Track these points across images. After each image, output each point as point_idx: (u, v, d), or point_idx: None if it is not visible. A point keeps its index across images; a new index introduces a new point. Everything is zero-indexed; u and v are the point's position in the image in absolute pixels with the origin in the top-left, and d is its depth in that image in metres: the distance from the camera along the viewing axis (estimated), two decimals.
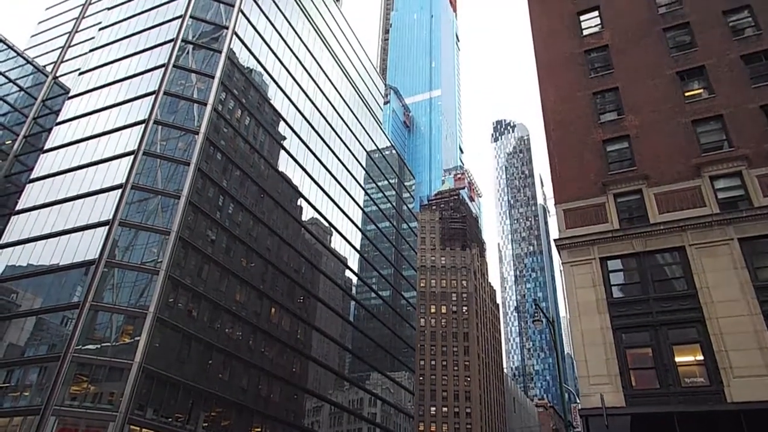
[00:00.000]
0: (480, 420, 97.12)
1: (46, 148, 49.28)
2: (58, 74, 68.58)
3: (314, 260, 58.18)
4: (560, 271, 25.40)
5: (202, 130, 44.56)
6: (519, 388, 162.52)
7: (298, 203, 57.59)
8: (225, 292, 43.97)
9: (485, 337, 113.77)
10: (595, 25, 29.71)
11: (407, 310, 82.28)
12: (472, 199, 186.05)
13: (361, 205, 72.65)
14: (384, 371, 69.64)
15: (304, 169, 58.97)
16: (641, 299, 21.79)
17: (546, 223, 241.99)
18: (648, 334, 21.09)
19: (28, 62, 67.58)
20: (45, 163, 47.70)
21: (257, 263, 48.82)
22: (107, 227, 39.25)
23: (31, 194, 45.87)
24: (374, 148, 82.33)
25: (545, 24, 31.50)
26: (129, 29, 53.93)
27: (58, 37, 73.91)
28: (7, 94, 63.97)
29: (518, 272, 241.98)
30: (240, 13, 52.60)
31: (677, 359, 20.28)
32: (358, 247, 69.13)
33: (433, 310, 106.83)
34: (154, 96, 45.70)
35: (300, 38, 64.23)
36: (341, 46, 77.56)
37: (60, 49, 71.55)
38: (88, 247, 39.06)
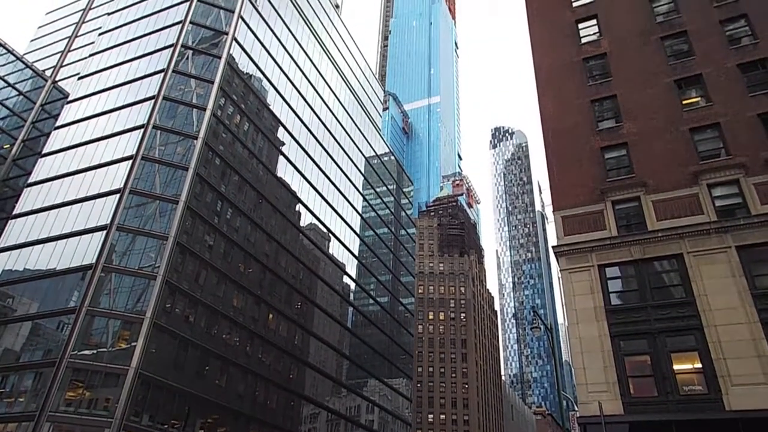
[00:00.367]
0: (477, 428, 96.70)
1: (44, 152, 49.23)
2: (57, 78, 68.64)
3: (312, 266, 58.08)
4: (558, 278, 25.39)
5: (201, 135, 44.57)
6: (517, 395, 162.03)
7: (297, 209, 57.56)
8: (222, 297, 43.83)
9: (483, 344, 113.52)
10: (594, 33, 29.88)
11: (405, 316, 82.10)
12: (470, 206, 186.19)
13: (360, 211, 72.65)
14: (381, 378, 69.38)
15: (302, 175, 58.98)
16: (639, 306, 21.78)
17: (544, 230, 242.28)
18: (646, 342, 21.07)
19: (27, 66, 67.64)
20: (43, 168, 47.63)
21: (255, 269, 48.70)
22: (105, 232, 39.12)
23: (29, 198, 45.76)
24: (373, 154, 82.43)
25: (544, 32, 31.66)
26: (129, 34, 54.04)
27: (58, 41, 74.08)
28: (6, 98, 63.97)
29: (516, 279, 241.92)
30: (240, 19, 52.76)
31: (675, 367, 20.25)
32: (357, 253, 69.06)
33: (431, 317, 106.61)
34: (153, 101, 45.73)
35: (299, 44, 64.44)
36: (340, 53, 77.82)
37: (59, 54, 71.68)
38: (85, 251, 38.92)
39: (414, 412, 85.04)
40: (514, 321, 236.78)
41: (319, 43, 70.59)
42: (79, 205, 42.34)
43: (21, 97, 65.45)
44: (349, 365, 63.21)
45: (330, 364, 58.92)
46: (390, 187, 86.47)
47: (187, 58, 48.99)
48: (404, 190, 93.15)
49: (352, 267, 67.34)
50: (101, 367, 34.76)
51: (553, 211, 25.82)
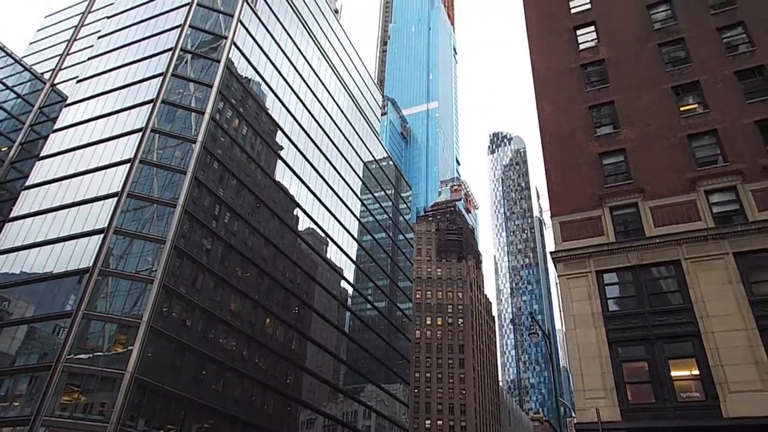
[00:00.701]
0: None
1: (42, 155, 49.14)
2: (56, 81, 68.62)
3: (310, 270, 57.97)
4: (556, 283, 25.38)
5: (200, 138, 44.55)
6: (514, 401, 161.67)
7: (295, 213, 57.51)
8: (219, 301, 43.70)
9: (481, 350, 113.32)
10: (592, 40, 30.00)
11: (403, 321, 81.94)
12: (468, 211, 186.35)
13: (358, 215, 72.61)
14: (379, 383, 69.16)
15: (300, 179, 58.96)
16: (637, 313, 21.78)
17: (542, 235, 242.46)
18: (644, 348, 21.07)
19: (26, 69, 67.62)
20: (41, 171, 47.54)
21: (252, 273, 48.60)
22: (102, 235, 39.02)
23: (26, 201, 45.64)
24: (371, 158, 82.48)
25: (542, 38, 31.79)
26: (128, 38, 54.10)
27: (57, 44, 74.10)
28: (4, 101, 63.90)
29: (514, 284, 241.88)
30: (239, 24, 52.87)
31: (673, 373, 20.23)
32: (354, 258, 68.97)
33: (428, 322, 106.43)
34: (152, 104, 45.73)
35: (298, 49, 64.56)
36: (339, 57, 77.99)
37: (58, 57, 71.68)
38: (82, 255, 38.79)
39: (411, 417, 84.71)
40: (511, 326, 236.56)
41: (318, 47, 70.74)
42: (77, 208, 42.24)
43: (19, 99, 65.39)
44: (347, 370, 63.01)
45: (327, 369, 58.73)
46: (388, 192, 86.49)
47: (186, 62, 49.03)
48: (402, 195, 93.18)
49: (349, 272, 67.25)
50: (97, 371, 34.57)
51: (551, 217, 25.84)
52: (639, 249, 22.78)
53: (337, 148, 69.91)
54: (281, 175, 56.06)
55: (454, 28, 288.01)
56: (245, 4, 54.74)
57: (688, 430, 19.07)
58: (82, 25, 73.76)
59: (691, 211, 22.85)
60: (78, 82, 54.07)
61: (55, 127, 51.06)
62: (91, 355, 35.17)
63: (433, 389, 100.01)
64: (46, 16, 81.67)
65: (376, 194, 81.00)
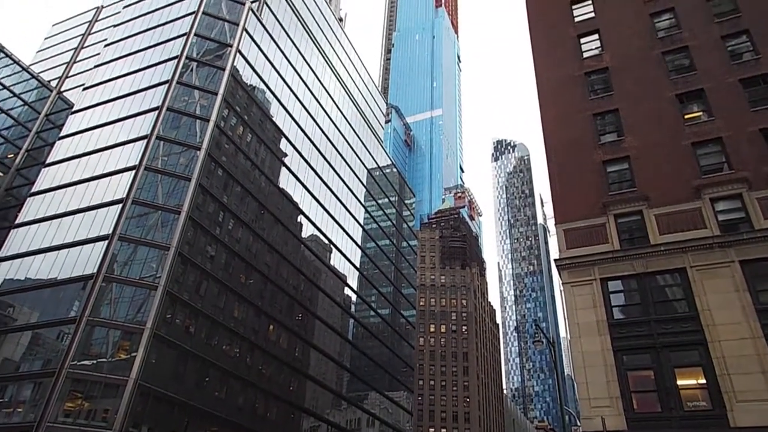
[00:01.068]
0: None
1: (47, 162, 49.44)
2: (62, 89, 69.15)
3: (313, 277, 57.95)
4: (560, 291, 25.28)
5: (204, 145, 44.75)
6: (519, 409, 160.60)
7: (298, 220, 57.58)
8: (223, 308, 43.70)
9: (485, 358, 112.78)
10: (596, 48, 30.06)
11: (406, 329, 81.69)
12: (472, 218, 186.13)
13: (361, 222, 72.62)
14: (382, 391, 68.86)
15: (304, 186, 59.08)
16: (642, 321, 21.65)
17: (546, 242, 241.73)
18: (649, 357, 20.91)
19: (33, 77, 68.18)
20: (46, 177, 47.80)
21: (256, 280, 48.61)
22: (106, 242, 39.14)
23: (32, 208, 45.87)
24: (375, 166, 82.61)
25: (546, 46, 31.87)
26: (134, 46, 54.53)
27: (64, 52, 74.72)
28: (11, 108, 64.39)
29: (518, 292, 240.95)
30: (244, 32, 53.24)
31: (679, 382, 20.07)
32: (358, 265, 68.91)
33: (432, 330, 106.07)
34: (157, 112, 45.99)
35: (303, 57, 64.90)
36: (343, 65, 78.34)
37: (65, 65, 72.26)
38: (86, 261, 38.91)
39: (415, 425, 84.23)
40: (515, 334, 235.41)
41: (322, 55, 71.10)
42: (82, 214, 42.42)
43: (26, 107, 65.88)
44: (350, 378, 62.79)
45: (330, 376, 58.54)
46: (392, 199, 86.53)
47: (192, 70, 49.35)
48: (406, 201, 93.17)
49: (353, 279, 67.18)
50: (101, 377, 34.58)
51: (555, 224, 25.79)
52: (644, 257, 22.68)
53: (341, 155, 70.07)
54: (285, 182, 56.20)
55: (458, 36, 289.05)
56: (250, 12, 55.16)
57: None
58: (89, 34, 74.42)
59: (696, 219, 22.76)
60: (84, 89, 54.47)
61: (62, 134, 51.40)
62: (94, 362, 35.18)
63: (437, 397, 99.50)
64: (54, 25, 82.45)
65: (379, 201, 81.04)
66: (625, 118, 26.83)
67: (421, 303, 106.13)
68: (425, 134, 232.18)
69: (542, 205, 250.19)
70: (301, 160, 59.59)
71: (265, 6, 59.38)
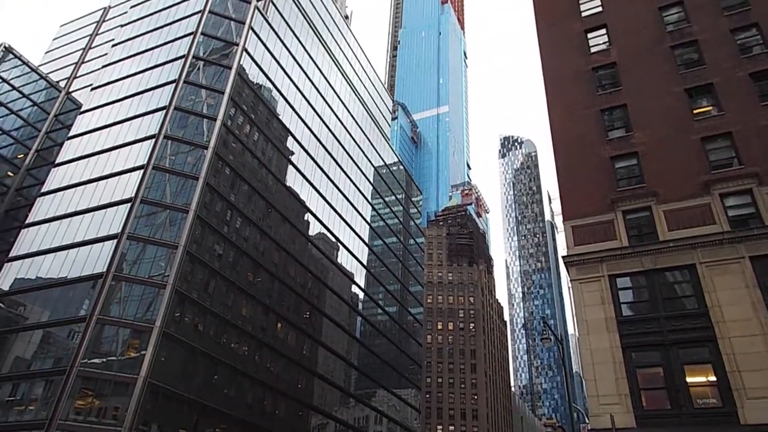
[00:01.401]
0: None
1: (57, 162, 49.83)
2: (71, 89, 69.64)
3: (321, 275, 58.08)
4: (568, 288, 25.18)
5: (212, 144, 44.92)
6: (527, 407, 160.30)
7: (306, 218, 57.70)
8: (231, 306, 43.90)
9: (492, 355, 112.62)
10: (603, 43, 29.83)
11: (414, 326, 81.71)
12: (479, 215, 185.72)
13: (369, 220, 72.66)
14: (390, 388, 68.96)
15: (311, 184, 59.18)
16: (651, 317, 21.51)
17: (554, 239, 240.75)
18: (659, 354, 20.79)
19: (41, 77, 68.72)
20: (56, 177, 48.18)
21: (264, 278, 48.79)
22: (116, 241, 39.42)
23: (42, 208, 46.27)
24: (382, 163, 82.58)
25: (553, 41, 31.67)
26: (141, 46, 54.78)
27: (72, 53, 75.22)
28: (21, 109, 64.97)
29: (526, 289, 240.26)
30: (250, 31, 53.32)
31: (689, 379, 19.94)
32: (365, 263, 68.98)
33: (439, 327, 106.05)
34: (164, 111, 46.20)
35: (309, 55, 64.94)
36: (349, 63, 78.30)
37: (73, 65, 72.76)
38: (96, 260, 39.20)
39: (423, 423, 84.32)
40: (523, 331, 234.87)
41: (328, 53, 71.09)
42: (91, 214, 42.73)
43: (35, 107, 66.45)
44: (358, 375, 62.93)
45: (338, 373, 58.69)
46: (399, 197, 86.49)
47: (198, 69, 49.52)
48: (413, 199, 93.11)
49: (360, 276, 67.26)
50: (111, 375, 34.88)
51: (563, 221, 25.67)
52: (653, 253, 22.53)
53: (347, 153, 70.10)
54: (292, 180, 56.32)
55: (464, 33, 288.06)
56: (256, 11, 55.25)
57: None
58: (96, 34, 74.84)
59: (705, 215, 22.57)
60: (92, 89, 54.81)
61: (70, 134, 51.76)
62: (104, 360, 35.47)
63: (445, 394, 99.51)
64: (62, 25, 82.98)
65: (386, 199, 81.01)
66: (634, 113, 26.62)
67: (429, 300, 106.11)
68: (432, 131, 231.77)
69: (550, 202, 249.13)
70: (308, 158, 59.68)
71: (271, 4, 59.44)
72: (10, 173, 60.92)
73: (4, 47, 67.70)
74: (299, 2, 65.98)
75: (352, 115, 74.55)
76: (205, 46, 51.13)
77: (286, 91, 57.94)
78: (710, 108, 25.42)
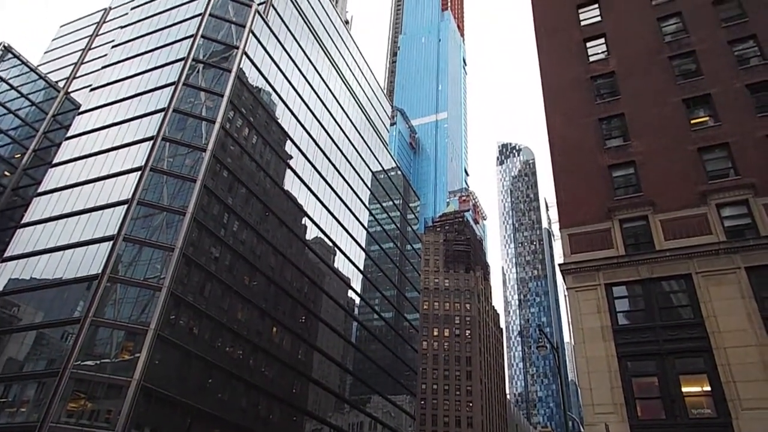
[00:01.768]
0: None
1: (54, 162, 49.70)
2: (69, 90, 69.55)
3: (317, 280, 57.94)
4: (565, 296, 25.16)
5: (210, 147, 44.87)
6: (522, 414, 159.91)
7: (303, 222, 57.61)
8: (227, 310, 43.73)
9: (488, 362, 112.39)
10: (602, 52, 29.98)
11: (409, 332, 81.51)
12: (476, 222, 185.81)
13: (366, 225, 72.60)
14: (385, 394, 68.70)
15: (309, 189, 59.14)
16: (647, 327, 21.51)
17: (551, 247, 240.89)
18: (654, 363, 20.77)
19: (40, 77, 68.64)
20: (53, 177, 48.03)
21: (260, 282, 48.64)
22: (111, 242, 39.26)
23: (38, 208, 46.08)
24: (380, 168, 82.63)
25: (552, 50, 31.79)
26: (141, 47, 54.81)
27: (72, 53, 75.20)
28: (19, 109, 64.83)
29: (522, 296, 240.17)
30: (251, 34, 53.41)
31: (684, 389, 19.93)
32: (362, 268, 68.87)
33: (435, 333, 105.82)
34: (163, 113, 46.17)
35: (309, 59, 65.05)
36: (349, 68, 78.47)
37: (73, 66, 72.72)
38: (91, 261, 39.02)
39: (417, 429, 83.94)
40: (519, 339, 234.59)
41: (328, 58, 71.24)
42: (87, 215, 42.58)
43: (33, 107, 66.32)
44: (353, 381, 62.69)
45: (333, 379, 58.46)
46: (396, 202, 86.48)
47: (198, 72, 49.54)
48: (410, 205, 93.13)
49: (357, 281, 67.14)
50: (104, 378, 34.64)
51: (560, 229, 25.68)
52: (649, 262, 22.55)
53: (345, 157, 70.12)
54: (290, 184, 56.28)
55: (463, 40, 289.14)
56: (257, 14, 55.37)
57: None
58: (96, 35, 74.86)
59: (702, 225, 22.62)
60: (91, 90, 54.76)
61: (68, 134, 51.64)
62: (98, 362, 35.26)
63: (440, 401, 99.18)
64: (62, 26, 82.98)
65: (384, 204, 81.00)
66: (631, 122, 26.72)
67: (425, 306, 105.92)
68: (430, 137, 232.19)
69: (547, 209, 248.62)
70: (306, 162, 59.67)
71: (271, 8, 59.60)
72: (6, 173, 60.70)
73: (3, 47, 67.63)
74: (300, 6, 66.17)
75: (350, 120, 74.62)
76: (205, 49, 51.18)
77: (286, 94, 57.99)
78: (707, 118, 25.53)
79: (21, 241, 44.21)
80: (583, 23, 31.47)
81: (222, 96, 47.90)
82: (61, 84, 70.50)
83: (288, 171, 56.36)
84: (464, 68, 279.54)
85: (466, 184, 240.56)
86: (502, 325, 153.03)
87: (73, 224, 42.63)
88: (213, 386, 41.12)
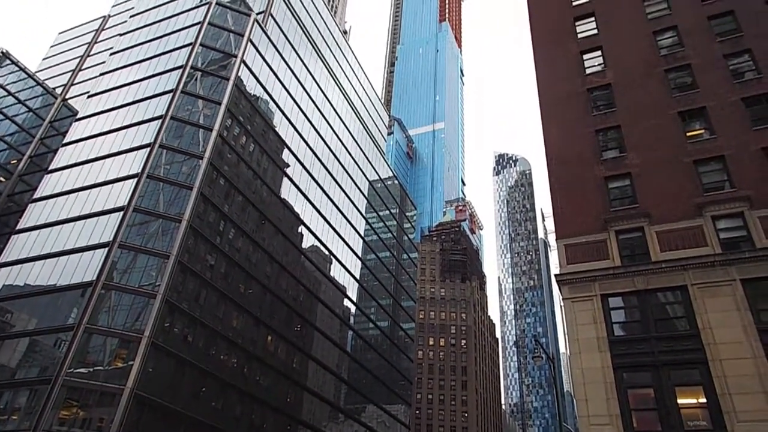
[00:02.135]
0: None
1: (50, 168, 49.56)
2: (67, 96, 69.56)
3: (313, 288, 57.76)
4: (561, 306, 25.20)
5: (207, 155, 44.87)
6: (517, 425, 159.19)
7: (299, 230, 57.54)
8: (222, 318, 43.51)
9: (484, 372, 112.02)
10: (598, 65, 30.23)
11: (405, 341, 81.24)
12: (473, 232, 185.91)
13: (362, 234, 72.55)
14: (380, 404, 68.31)
15: (306, 197, 59.13)
16: (643, 338, 21.52)
17: (547, 257, 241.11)
18: (650, 375, 20.76)
19: (38, 84, 68.62)
20: (48, 183, 47.89)
21: (255, 290, 48.46)
22: (107, 249, 39.09)
23: (33, 214, 45.89)
24: (377, 177, 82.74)
25: (549, 62, 32.05)
26: (140, 55, 54.93)
27: (70, 60, 75.29)
28: (16, 115, 64.72)
29: (518, 306, 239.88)
30: (249, 43, 53.63)
31: (680, 401, 19.90)
32: (358, 277, 68.73)
33: (431, 343, 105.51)
34: (160, 120, 46.19)
35: (307, 68, 65.33)
36: (347, 77, 78.81)
37: (71, 72, 72.78)
38: (86, 268, 38.82)
39: None
40: (515, 349, 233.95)
41: (326, 67, 71.56)
42: (83, 221, 42.41)
43: (30, 113, 66.23)
44: (348, 390, 62.32)
45: (328, 388, 58.11)
46: (393, 211, 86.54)
47: (196, 80, 49.65)
48: (407, 214, 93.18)
49: (353, 290, 66.96)
50: (97, 386, 34.33)
51: (556, 239, 25.75)
52: (645, 273, 22.61)
53: (343, 166, 70.23)
54: (287, 192, 56.26)
55: (461, 50, 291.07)
56: (256, 24, 55.64)
57: None
58: (95, 42, 75.03)
59: (697, 237, 22.72)
60: (89, 97, 54.76)
61: (65, 141, 51.58)
62: (91, 370, 34.94)
63: (435, 411, 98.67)
64: (60, 33, 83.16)
65: (380, 213, 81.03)
66: (627, 134, 26.90)
67: (421, 316, 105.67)
68: (427, 147, 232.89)
69: (543, 220, 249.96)
70: (303, 170, 59.71)
71: (270, 18, 59.92)
72: (2, 178, 60.50)
73: (2, 52, 67.66)
74: (298, 16, 66.55)
75: (348, 129, 74.83)
76: (203, 57, 51.33)
77: (283, 103, 58.15)
78: (703, 131, 25.74)
79: (15, 247, 43.97)
80: (580, 36, 31.76)
81: (220, 104, 47.99)
82: (58, 90, 70.50)
83: (285, 179, 56.37)
84: (461, 79, 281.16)
85: (463, 193, 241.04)
86: (498, 335, 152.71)
87: (69, 231, 42.45)
88: (207, 395, 40.81)
